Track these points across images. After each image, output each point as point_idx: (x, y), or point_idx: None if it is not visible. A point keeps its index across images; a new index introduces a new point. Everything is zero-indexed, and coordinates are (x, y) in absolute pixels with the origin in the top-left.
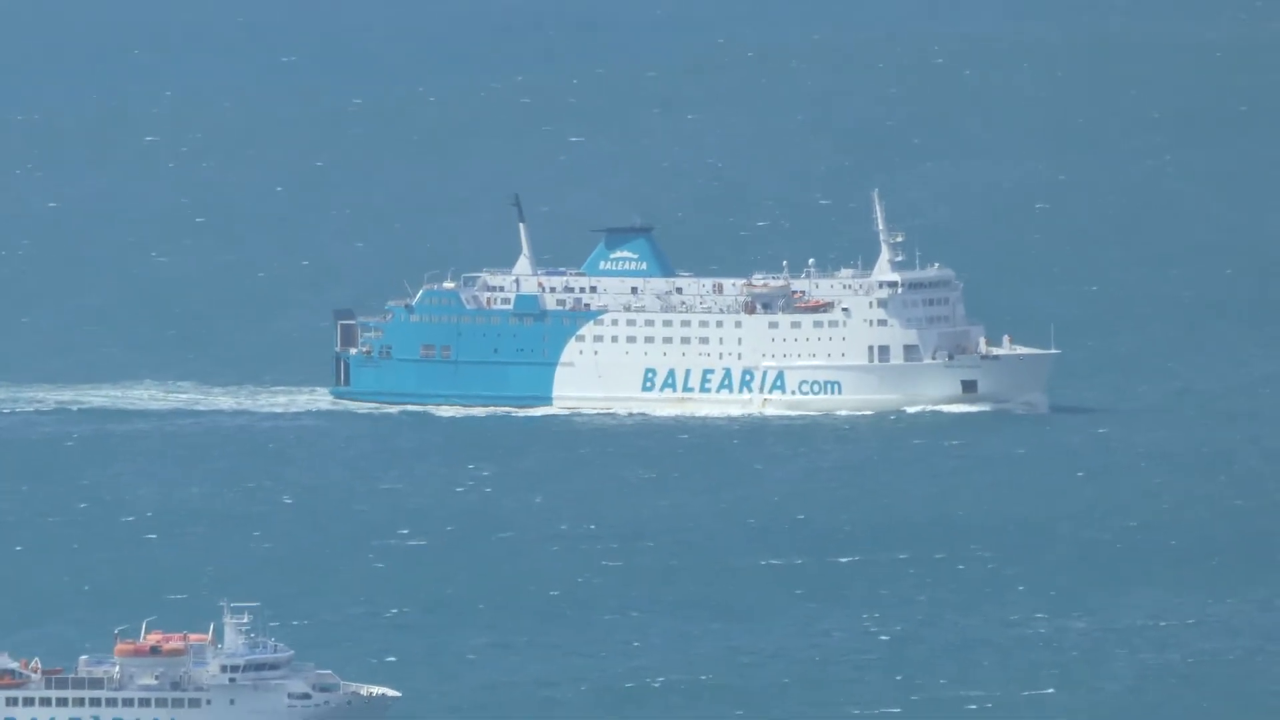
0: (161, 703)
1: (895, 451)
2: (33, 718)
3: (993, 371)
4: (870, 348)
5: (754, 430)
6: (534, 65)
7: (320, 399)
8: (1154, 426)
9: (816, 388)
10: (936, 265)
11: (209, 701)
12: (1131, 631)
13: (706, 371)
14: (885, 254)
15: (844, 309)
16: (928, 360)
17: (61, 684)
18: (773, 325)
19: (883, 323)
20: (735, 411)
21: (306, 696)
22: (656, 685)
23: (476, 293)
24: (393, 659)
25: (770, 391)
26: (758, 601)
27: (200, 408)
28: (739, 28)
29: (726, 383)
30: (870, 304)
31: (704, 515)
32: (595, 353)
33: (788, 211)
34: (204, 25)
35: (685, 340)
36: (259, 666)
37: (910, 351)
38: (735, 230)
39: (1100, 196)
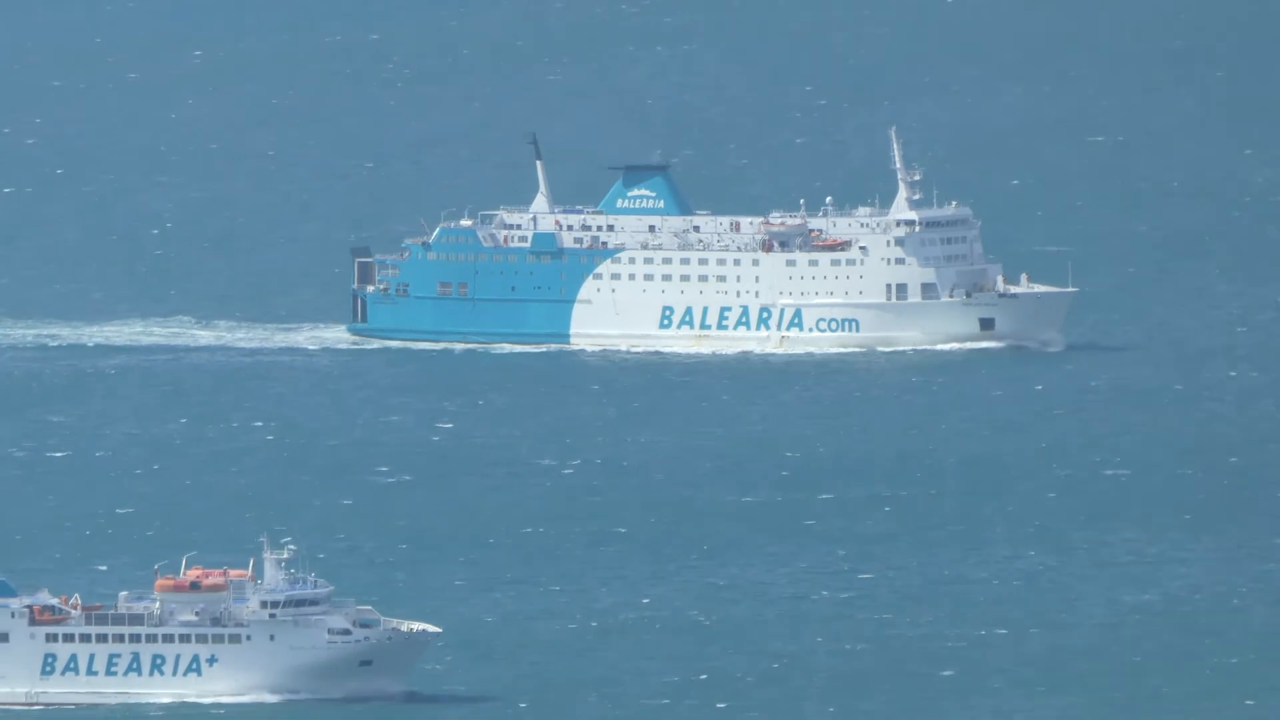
0: (201, 638)
1: (876, 389)
2: (73, 653)
3: (1010, 309)
4: (888, 286)
5: (768, 367)
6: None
7: (338, 335)
8: (1142, 363)
9: (834, 325)
10: (954, 203)
11: (249, 637)
12: (1110, 570)
13: (724, 309)
14: (903, 192)
15: (861, 247)
16: (945, 298)
17: (101, 619)
18: (790, 263)
19: (900, 261)
20: (752, 348)
21: (346, 632)
22: (635, 619)
23: (494, 230)
24: (374, 599)
25: (788, 329)
26: (737, 538)
27: (205, 343)
28: None
29: (744, 320)
30: (888, 242)
31: (688, 451)
32: (613, 290)
33: (765, 149)
34: None
35: (703, 278)
36: (299, 602)
37: (928, 289)
38: (714, 167)
39: (1076, 136)
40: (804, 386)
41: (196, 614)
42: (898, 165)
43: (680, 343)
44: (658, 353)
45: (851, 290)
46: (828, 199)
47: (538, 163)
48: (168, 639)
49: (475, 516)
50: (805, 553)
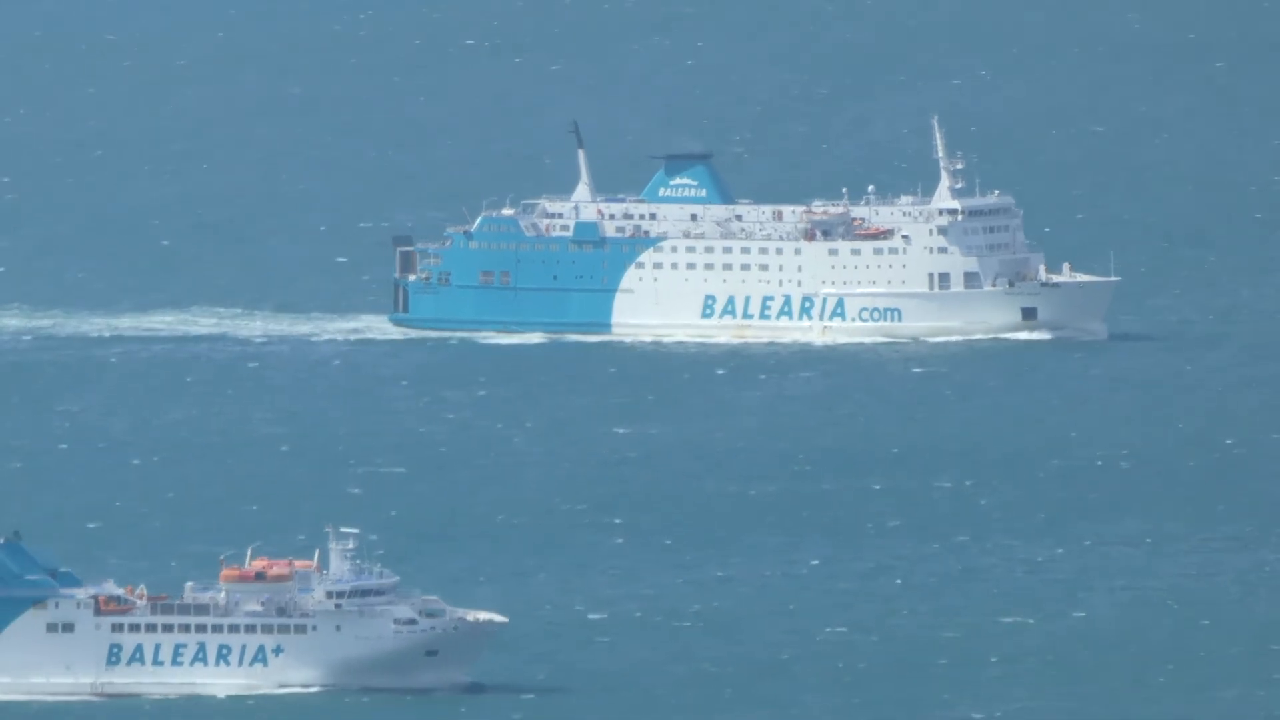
0: (267, 628)
1: (885, 379)
2: (138, 644)
3: (1053, 299)
4: (930, 275)
5: (809, 355)
6: None
7: (381, 326)
8: (1150, 353)
9: (876, 315)
10: (996, 192)
11: (315, 627)
12: (1111, 561)
13: (766, 298)
14: (945, 181)
15: (904, 236)
16: (988, 287)
17: (167, 610)
18: (832, 252)
19: (943, 250)
20: (795, 338)
21: (413, 622)
22: (637, 616)
23: (535, 219)
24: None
25: (830, 319)
26: (737, 529)
27: (243, 334)
28: None
29: (786, 310)
30: (930, 231)
31: (691, 443)
32: (655, 279)
33: (761, 138)
34: None
35: (745, 267)
36: (364, 592)
37: (970, 279)
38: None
39: (1075, 123)
40: (815, 376)
41: (262, 604)
42: (940, 154)
43: (723, 332)
44: (679, 342)
45: (894, 279)
46: (870, 188)
47: (579, 151)
48: (233, 629)
49: (473, 506)
50: (808, 544)
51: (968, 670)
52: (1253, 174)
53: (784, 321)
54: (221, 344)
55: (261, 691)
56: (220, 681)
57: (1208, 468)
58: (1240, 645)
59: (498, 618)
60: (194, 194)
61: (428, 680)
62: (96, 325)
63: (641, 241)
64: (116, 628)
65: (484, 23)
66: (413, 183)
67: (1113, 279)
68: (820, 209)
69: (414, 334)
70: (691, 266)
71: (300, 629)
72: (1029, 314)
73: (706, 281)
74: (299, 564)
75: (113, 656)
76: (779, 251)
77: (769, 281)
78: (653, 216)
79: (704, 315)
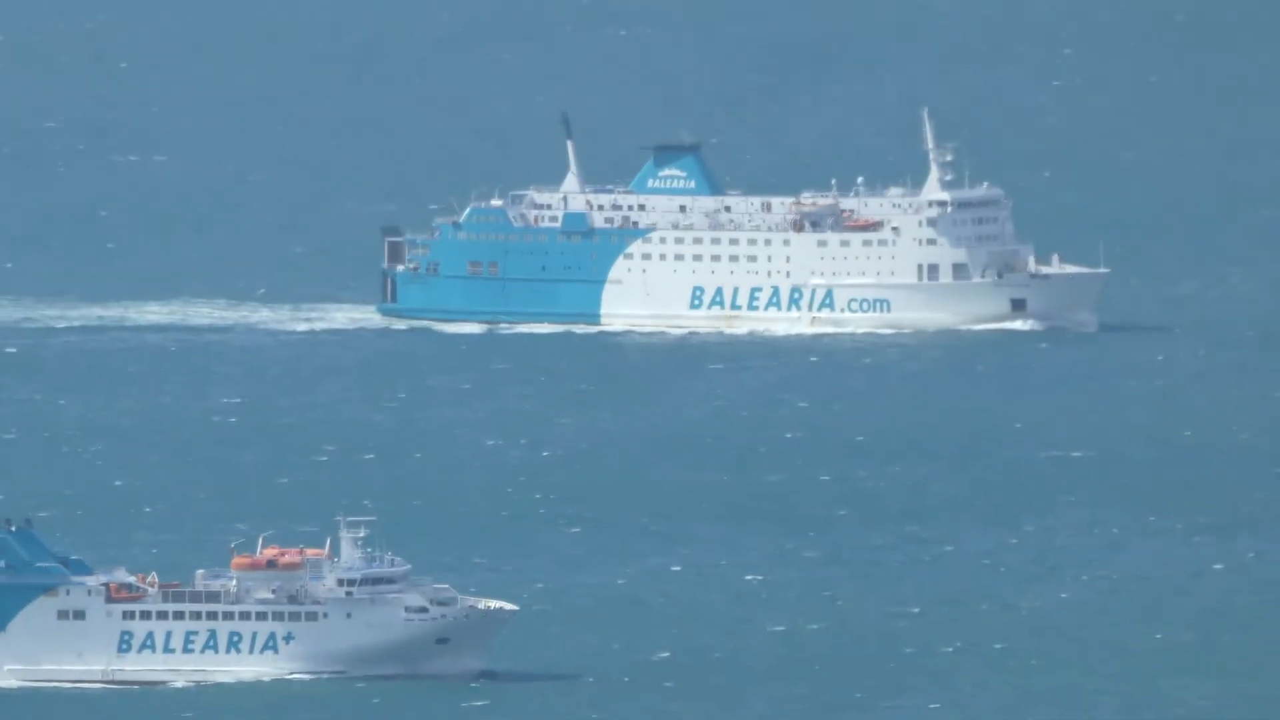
0: (278, 616)
1: (865, 369)
2: (149, 631)
3: (1042, 290)
4: (919, 266)
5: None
6: None
7: (368, 316)
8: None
9: (865, 306)
10: (986, 184)
11: (326, 615)
12: (1061, 551)
13: (755, 289)
14: (934, 173)
15: (893, 228)
16: (977, 279)
17: (178, 597)
18: (821, 244)
19: (932, 241)
20: (783, 329)
21: (423, 610)
22: (584, 605)
23: (524, 210)
24: None
25: (819, 310)
26: (686, 519)
27: (232, 322)
28: None
29: (775, 301)
30: (920, 223)
31: (643, 433)
32: (643, 270)
33: (713, 130)
34: None
35: (734, 258)
36: (375, 580)
37: (959, 270)
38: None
39: (1019, 115)
40: (772, 365)
41: (273, 592)
42: (930, 146)
43: (712, 323)
44: (649, 332)
45: (883, 271)
46: (859, 179)
47: (568, 142)
48: (244, 617)
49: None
50: (760, 534)
51: (918, 660)
52: (1204, 164)
53: (773, 313)
54: (216, 334)
55: (272, 679)
56: (231, 669)
57: (1159, 459)
58: (1192, 634)
59: (508, 606)
60: (144, 184)
61: (438, 668)
62: (87, 314)
63: (630, 233)
64: (128, 615)
65: (432, 13)
66: (368, 174)
67: (1102, 270)
68: (809, 200)
69: (396, 323)
70: (680, 258)
71: (311, 617)
72: (1018, 305)
73: (695, 273)
74: (310, 552)
75: (124, 644)
76: (768, 243)
77: (758, 273)
78: (641, 208)
79: (693, 306)
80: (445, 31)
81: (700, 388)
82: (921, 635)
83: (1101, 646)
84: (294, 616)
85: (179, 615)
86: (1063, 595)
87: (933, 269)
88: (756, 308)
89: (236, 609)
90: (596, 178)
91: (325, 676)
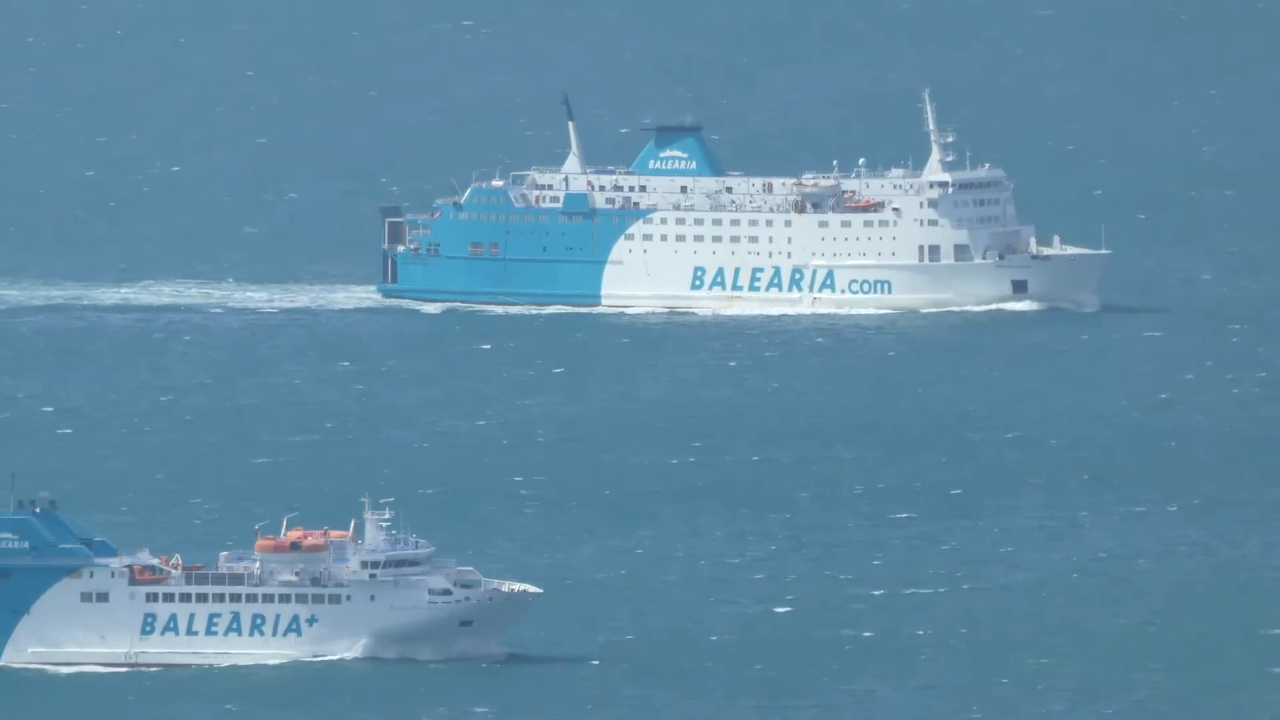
0: (302, 598)
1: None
2: (173, 613)
3: (1043, 271)
4: (921, 247)
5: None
6: None
7: (368, 296)
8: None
9: (866, 287)
10: (987, 165)
11: (349, 597)
12: (1026, 533)
13: (756, 270)
14: (936, 154)
15: (894, 209)
16: (978, 260)
17: (202, 579)
18: (823, 224)
19: (933, 222)
20: (784, 310)
21: (447, 593)
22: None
23: (525, 191)
24: None
25: (820, 290)
26: (645, 501)
27: (235, 304)
28: None
29: (776, 281)
30: (921, 204)
31: (612, 413)
32: (644, 251)
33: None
34: None
35: (735, 239)
36: (399, 563)
37: (961, 251)
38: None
39: (984, 97)
40: (740, 347)
41: (296, 574)
42: (931, 127)
43: (713, 304)
44: (623, 313)
45: (884, 252)
46: (860, 160)
47: (569, 123)
48: (268, 599)
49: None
50: (718, 516)
51: (878, 643)
52: (1170, 145)
53: (774, 293)
54: (219, 315)
55: (296, 661)
56: (255, 651)
57: (1117, 442)
58: (1152, 618)
59: (532, 589)
60: (100, 165)
61: (462, 650)
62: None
63: (631, 213)
64: (151, 597)
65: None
66: (363, 153)
67: (1104, 252)
68: (810, 181)
69: (396, 303)
70: (681, 238)
71: (335, 599)
72: (1019, 286)
73: (696, 253)
74: (334, 534)
75: (147, 626)
76: (769, 223)
77: (759, 253)
78: (643, 188)
79: (694, 287)
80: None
81: (659, 369)
82: (881, 618)
83: (1061, 629)
84: (317, 599)
85: (202, 598)
86: (1022, 577)
87: (934, 250)
88: (758, 288)
89: (260, 591)
90: (597, 158)
91: (348, 659)
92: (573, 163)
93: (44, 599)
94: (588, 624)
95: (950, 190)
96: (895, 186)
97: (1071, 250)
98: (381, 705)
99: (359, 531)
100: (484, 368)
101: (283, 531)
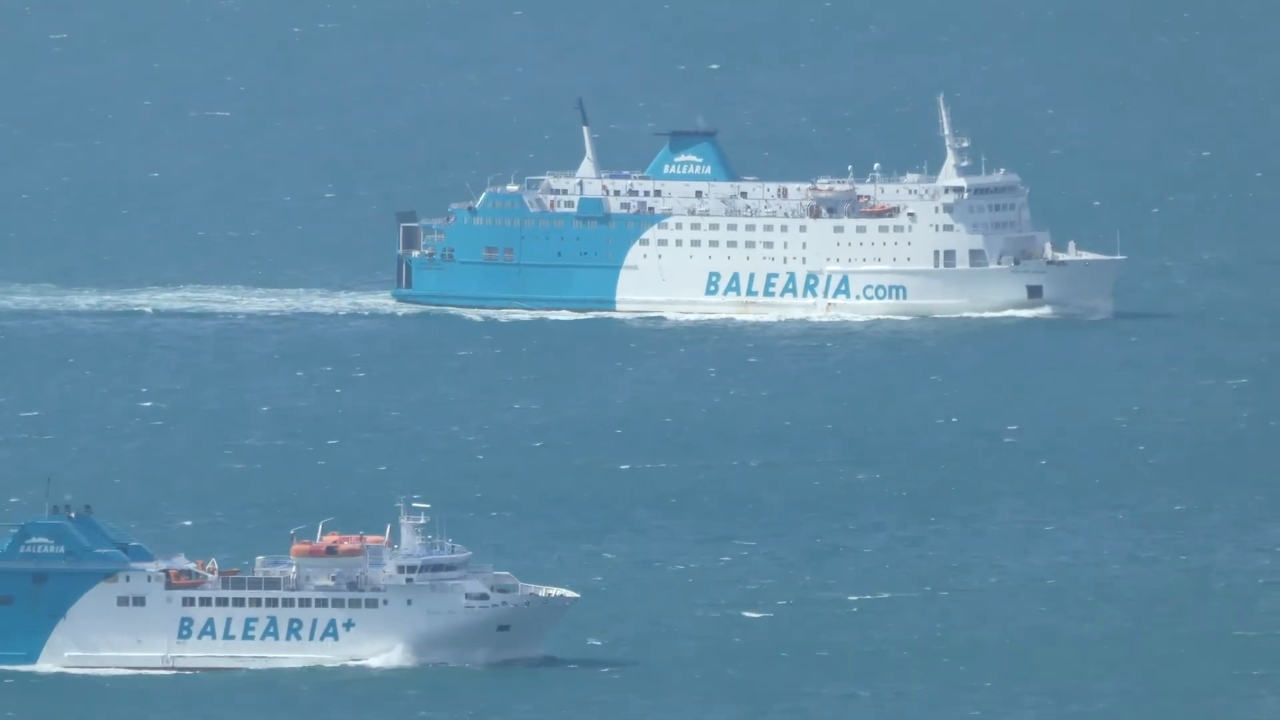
0: (338, 603)
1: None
2: (209, 617)
3: (1058, 277)
4: (936, 252)
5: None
6: None
7: (382, 301)
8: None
9: (881, 292)
10: (1002, 170)
11: (386, 602)
12: (989, 539)
13: (771, 275)
14: (951, 159)
15: (909, 214)
16: (993, 265)
17: (238, 584)
18: (838, 229)
19: (948, 227)
20: (799, 315)
21: (484, 597)
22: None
23: (540, 195)
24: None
25: (835, 296)
26: (615, 506)
27: (253, 309)
28: None
29: (790, 287)
30: (936, 209)
31: (572, 419)
32: (659, 256)
33: (634, 118)
34: None
35: (750, 244)
36: (436, 567)
37: (976, 256)
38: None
39: (954, 103)
40: (713, 351)
41: (333, 579)
42: (946, 132)
43: (727, 309)
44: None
45: (899, 257)
46: (875, 165)
47: (584, 128)
48: (304, 604)
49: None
50: (691, 522)
51: (849, 648)
52: (1148, 151)
53: (788, 299)
54: (237, 320)
55: (332, 665)
56: (291, 656)
57: (1091, 447)
58: (1122, 622)
59: (569, 593)
60: (73, 169)
61: (499, 655)
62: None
63: (646, 218)
64: (188, 601)
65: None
66: (379, 156)
67: (1119, 257)
68: (826, 186)
69: (413, 308)
70: (696, 243)
71: (371, 604)
72: (1034, 292)
73: (711, 259)
74: (370, 539)
75: (184, 630)
76: (784, 229)
77: (774, 259)
78: (658, 193)
79: (709, 292)
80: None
81: (632, 373)
82: (853, 623)
83: (1031, 636)
84: (354, 603)
85: (239, 602)
86: (993, 582)
87: (949, 255)
88: (773, 294)
89: (296, 595)
90: (612, 163)
91: (385, 663)
92: (587, 167)
93: (80, 603)
94: (562, 629)
95: (965, 195)
96: (910, 191)
97: (1087, 256)
98: (416, 710)
99: (395, 536)
100: (459, 373)
101: (319, 536)
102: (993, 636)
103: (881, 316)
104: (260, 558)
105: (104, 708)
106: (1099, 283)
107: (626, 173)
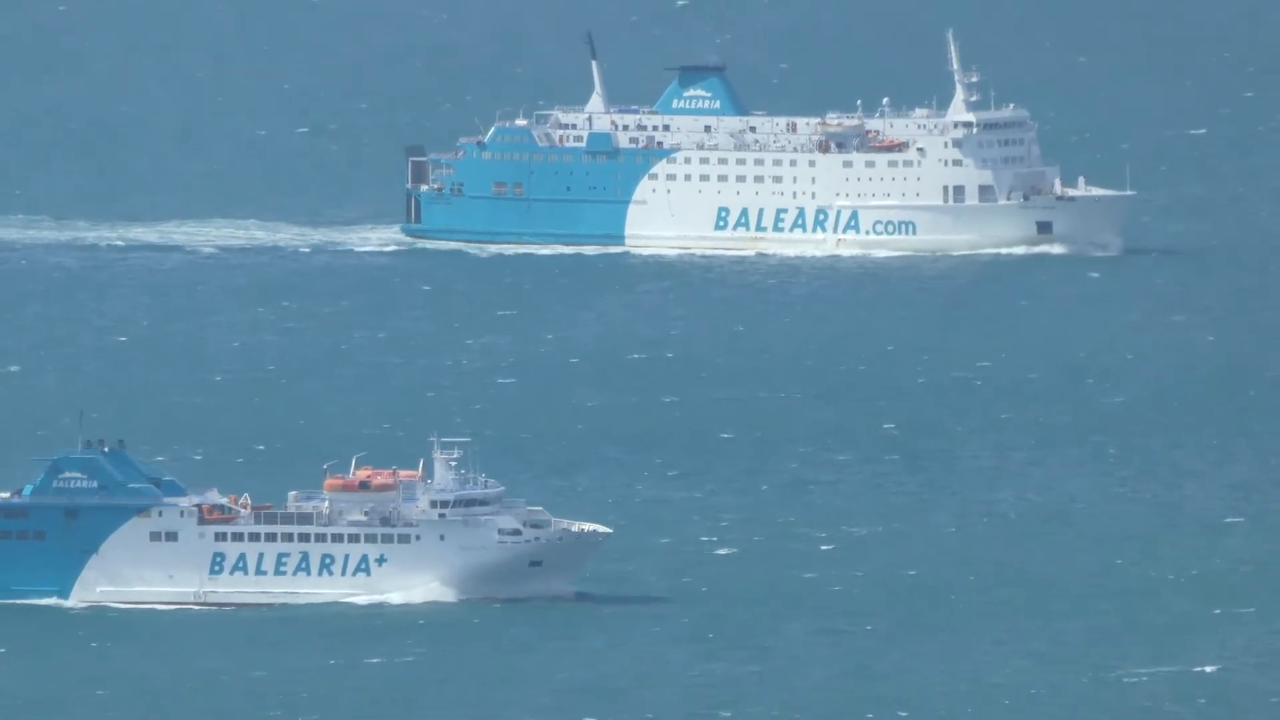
0: (371, 538)
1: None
2: (242, 553)
3: (1068, 213)
4: (945, 188)
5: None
6: None
7: (393, 236)
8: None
9: (891, 228)
10: (1011, 106)
11: (418, 537)
12: (955, 478)
13: (780, 210)
14: (960, 94)
15: (919, 149)
16: (1003, 201)
17: (270, 519)
18: (847, 164)
19: (958, 163)
20: (809, 251)
21: (517, 533)
22: None
23: (549, 130)
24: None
25: (844, 231)
26: (577, 446)
27: (265, 243)
28: None
29: (800, 222)
30: (945, 144)
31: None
32: (668, 191)
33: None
34: None
35: (759, 179)
36: (469, 502)
37: (985, 192)
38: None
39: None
40: (671, 285)
41: (365, 514)
42: (955, 67)
43: (737, 244)
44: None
45: (909, 192)
46: (884, 100)
47: (593, 62)
48: (336, 539)
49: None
50: (652, 457)
51: (810, 587)
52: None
53: (797, 234)
54: (254, 255)
55: (365, 601)
56: (323, 591)
57: (1052, 387)
58: (1089, 560)
59: (602, 529)
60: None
61: (532, 590)
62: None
63: (655, 153)
64: (220, 537)
65: None
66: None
67: (1128, 193)
68: (835, 121)
69: (424, 244)
70: (705, 178)
71: (404, 539)
72: (1044, 228)
73: (720, 194)
74: (403, 474)
75: (216, 565)
76: (793, 164)
77: (783, 194)
78: (666, 128)
79: (717, 227)
80: None
81: (598, 307)
82: (815, 561)
83: (994, 573)
84: (386, 539)
85: (271, 537)
86: (961, 520)
87: (958, 190)
88: (782, 229)
89: (329, 531)
90: (621, 98)
91: (417, 599)
92: (596, 102)
93: (113, 538)
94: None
95: (975, 130)
96: (919, 126)
97: (1097, 191)
98: (434, 643)
99: (428, 471)
100: (427, 309)
101: (351, 470)
102: (958, 573)
103: (891, 253)
104: (293, 493)
105: (136, 643)
106: (1109, 219)
107: (635, 107)
